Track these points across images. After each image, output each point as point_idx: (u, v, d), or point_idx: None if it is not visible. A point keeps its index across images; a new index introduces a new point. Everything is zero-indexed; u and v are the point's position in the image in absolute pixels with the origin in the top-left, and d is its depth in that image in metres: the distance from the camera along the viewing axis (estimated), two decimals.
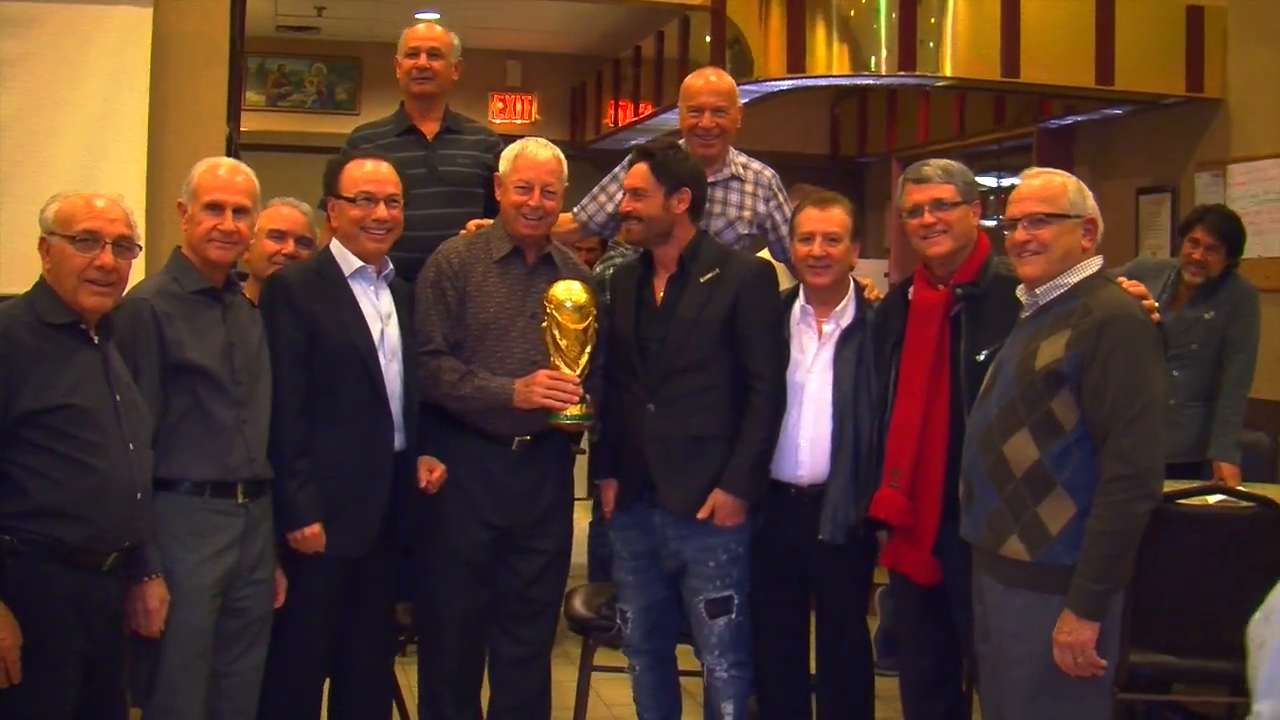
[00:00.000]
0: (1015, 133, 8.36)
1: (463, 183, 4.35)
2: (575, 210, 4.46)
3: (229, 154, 5.23)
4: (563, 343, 3.67)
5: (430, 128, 4.43)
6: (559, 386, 3.66)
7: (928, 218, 3.53)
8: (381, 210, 3.62)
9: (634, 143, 10.03)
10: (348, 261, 3.62)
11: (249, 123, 7.24)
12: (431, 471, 3.72)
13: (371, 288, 3.65)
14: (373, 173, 3.64)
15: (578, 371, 3.68)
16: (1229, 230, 5.00)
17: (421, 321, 3.77)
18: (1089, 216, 3.13)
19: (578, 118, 11.02)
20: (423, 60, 4.41)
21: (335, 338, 3.53)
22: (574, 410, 3.67)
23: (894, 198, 3.69)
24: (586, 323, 3.68)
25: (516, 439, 3.79)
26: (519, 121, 10.71)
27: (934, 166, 3.58)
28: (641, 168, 3.80)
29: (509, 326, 3.78)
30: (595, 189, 4.45)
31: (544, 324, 3.69)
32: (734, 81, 4.34)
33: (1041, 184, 3.16)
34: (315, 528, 3.47)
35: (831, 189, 4.10)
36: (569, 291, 3.68)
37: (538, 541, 3.87)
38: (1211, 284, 4.98)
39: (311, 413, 3.49)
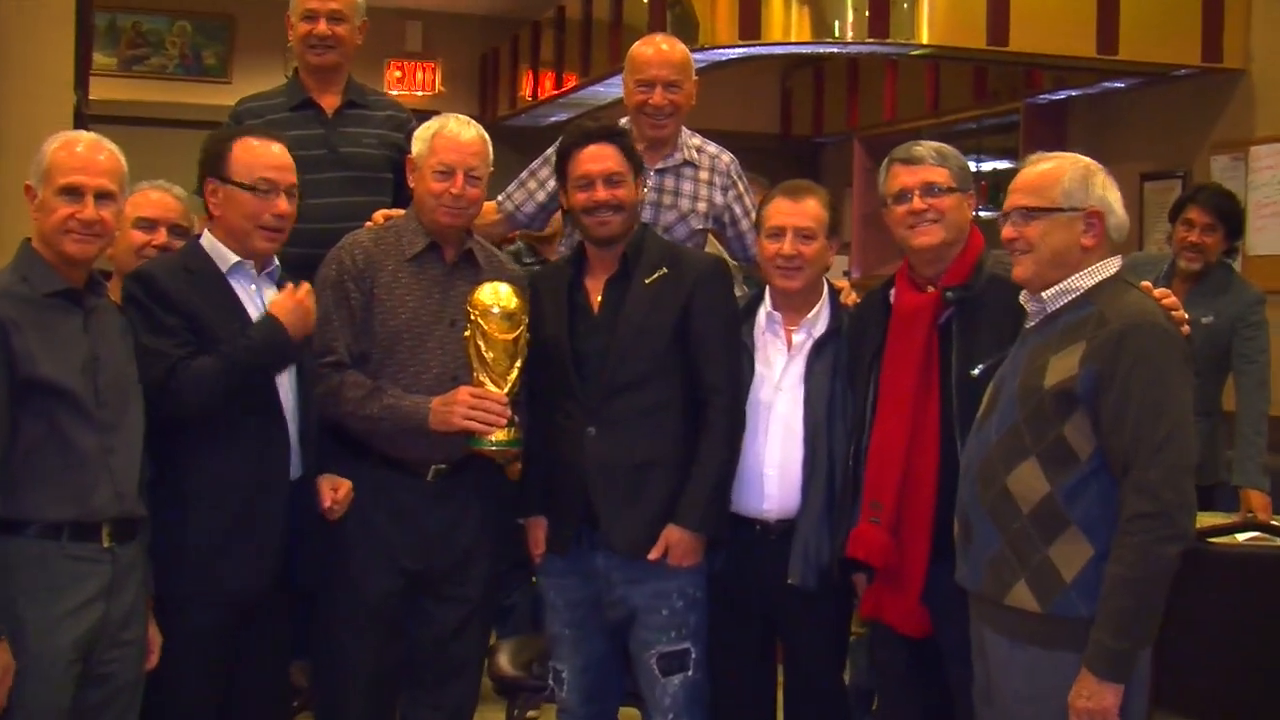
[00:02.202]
0: (998, 109, 8.47)
1: (368, 166, 4.30)
2: (500, 199, 4.43)
3: (77, 127, 5.13)
4: (488, 355, 3.64)
5: (330, 101, 4.37)
6: (484, 406, 3.63)
7: (917, 203, 3.53)
8: (283, 203, 3.57)
9: (555, 120, 10.07)
10: (223, 256, 3.57)
11: (97, 90, 7.10)
12: (336, 490, 3.67)
13: (253, 286, 3.60)
14: (278, 157, 3.60)
15: (506, 389, 3.65)
16: (1227, 208, 5.10)
17: (320, 329, 3.72)
18: (1089, 209, 3.13)
19: (489, 89, 11.00)
20: (322, 26, 4.33)
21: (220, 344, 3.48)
22: (500, 435, 3.64)
23: (878, 183, 3.69)
24: (517, 332, 3.65)
25: (432, 467, 3.76)
26: (419, 93, 10.68)
27: (926, 147, 3.59)
28: (611, 149, 3.78)
29: (424, 335, 3.75)
30: (523, 174, 4.43)
31: (466, 333, 3.66)
32: (688, 50, 4.34)
33: (1035, 172, 3.18)
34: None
35: (782, 174, 4.12)
36: (496, 295, 3.65)
37: (457, 588, 3.84)
38: (1211, 285, 5.07)
39: (191, 432, 3.45)
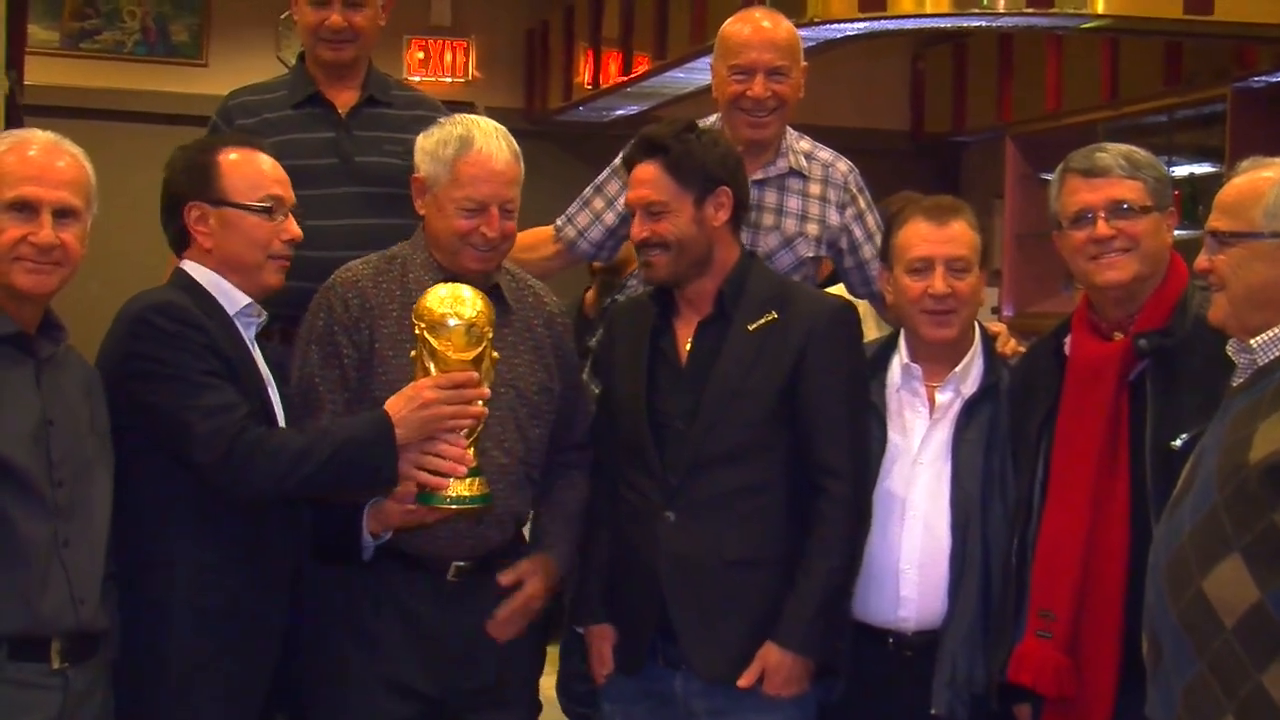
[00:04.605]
0: (1198, 97, 8.40)
1: (390, 180, 4.30)
2: (558, 223, 4.48)
3: (10, 120, 5.20)
4: None
5: (345, 98, 4.44)
6: (434, 449, 3.54)
7: (1102, 228, 3.54)
8: (294, 225, 3.63)
9: (621, 113, 10.11)
10: (230, 295, 3.61)
11: (36, 73, 7.21)
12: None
13: (249, 336, 3.67)
14: (278, 169, 3.66)
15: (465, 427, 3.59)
16: None
17: (302, 390, 3.76)
18: None
19: (536, 75, 11.05)
20: (336, 18, 4.38)
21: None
22: (460, 488, 3.56)
23: (1049, 198, 3.69)
24: (478, 349, 3.55)
25: (454, 564, 3.78)
26: (448, 80, 10.77)
27: (1113, 154, 3.60)
28: (650, 170, 3.79)
29: None
30: (588, 190, 4.48)
31: (412, 353, 3.57)
32: (794, 28, 4.38)
33: (1236, 186, 3.17)
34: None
35: (914, 183, 4.10)
36: (453, 301, 3.54)
37: (489, 718, 3.86)
38: None
39: (168, 518, 3.49)
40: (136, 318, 3.49)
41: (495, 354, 3.59)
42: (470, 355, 3.52)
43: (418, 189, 3.84)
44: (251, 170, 3.63)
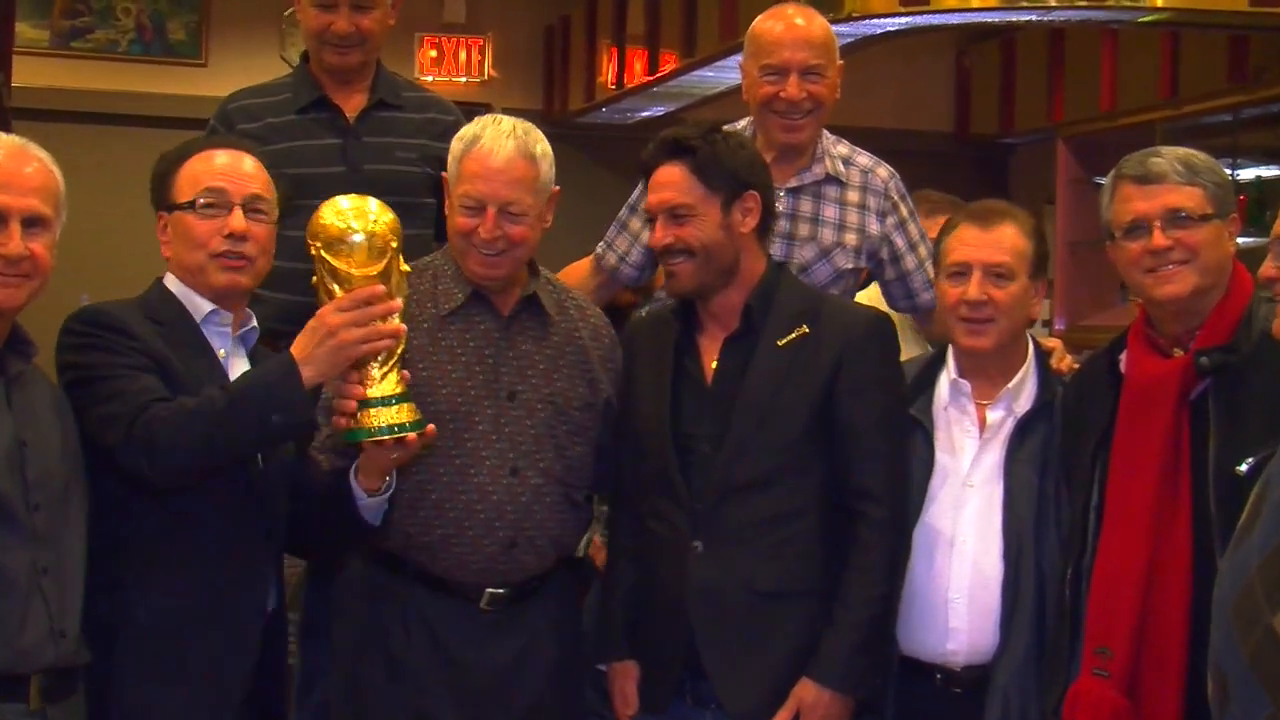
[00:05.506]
0: (1263, 95, 8.36)
1: (402, 189, 4.32)
2: (599, 250, 4.51)
3: None
4: None
5: (353, 102, 4.46)
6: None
7: (1159, 239, 3.51)
8: (238, 219, 3.55)
9: (646, 115, 10.11)
10: (194, 302, 3.59)
11: (25, 74, 7.22)
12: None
13: (223, 350, 3.63)
14: (232, 163, 3.61)
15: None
16: None
17: (324, 405, 3.72)
18: None
19: (557, 75, 11.07)
20: (342, 24, 4.41)
21: None
22: (387, 416, 3.40)
23: (1100, 206, 3.67)
24: (384, 263, 3.38)
25: (488, 591, 3.79)
26: (462, 80, 10.80)
27: (1168, 158, 3.57)
28: (675, 171, 3.77)
29: (472, 414, 3.78)
30: (623, 211, 4.50)
31: (314, 279, 3.42)
32: (829, 25, 4.37)
33: None
34: None
35: (960, 188, 4.08)
36: (354, 214, 3.38)
37: None
38: None
39: (147, 539, 3.45)
40: (61, 330, 3.49)
41: (406, 266, 3.43)
42: (376, 270, 3.36)
43: (446, 188, 3.87)
44: (197, 168, 3.60)
